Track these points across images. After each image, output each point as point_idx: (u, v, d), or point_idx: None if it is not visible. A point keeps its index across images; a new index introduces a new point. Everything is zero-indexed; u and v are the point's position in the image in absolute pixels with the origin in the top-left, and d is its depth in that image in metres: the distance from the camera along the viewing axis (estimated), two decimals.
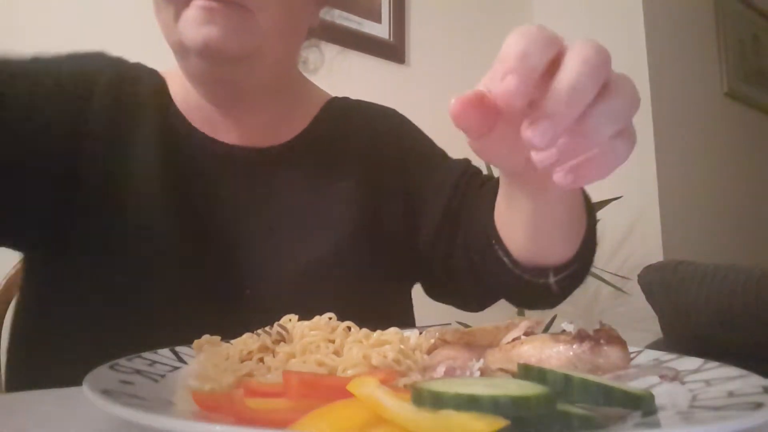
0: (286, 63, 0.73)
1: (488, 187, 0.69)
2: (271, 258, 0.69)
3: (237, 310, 0.63)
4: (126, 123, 0.69)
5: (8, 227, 0.65)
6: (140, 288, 0.63)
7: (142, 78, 0.73)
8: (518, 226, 0.58)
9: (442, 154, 0.82)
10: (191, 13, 0.61)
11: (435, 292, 0.80)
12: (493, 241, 0.61)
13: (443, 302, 0.80)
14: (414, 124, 0.86)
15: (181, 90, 0.73)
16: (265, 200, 0.71)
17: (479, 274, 0.67)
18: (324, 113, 0.80)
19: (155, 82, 0.74)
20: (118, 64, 0.74)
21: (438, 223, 0.73)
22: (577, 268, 0.59)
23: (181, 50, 0.65)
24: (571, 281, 0.61)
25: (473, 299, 0.76)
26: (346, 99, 0.84)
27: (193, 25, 0.61)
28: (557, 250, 0.58)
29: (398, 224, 0.76)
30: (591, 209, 0.63)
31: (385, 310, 0.74)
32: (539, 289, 0.59)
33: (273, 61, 0.69)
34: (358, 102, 0.85)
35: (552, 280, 0.58)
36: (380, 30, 2.06)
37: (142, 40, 1.49)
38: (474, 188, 0.73)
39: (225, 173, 0.71)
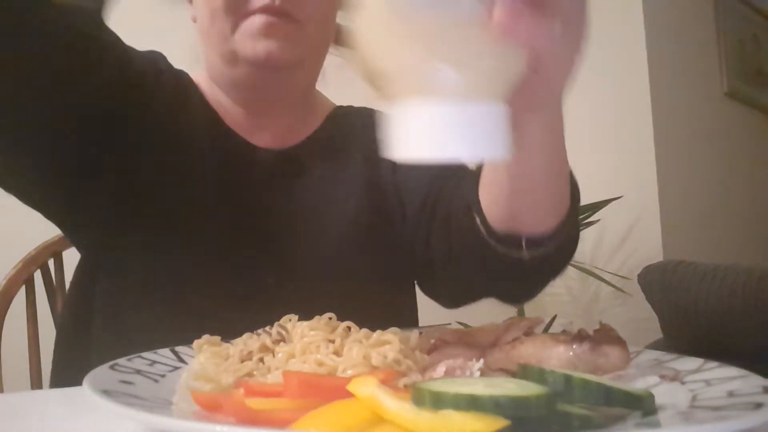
0: (318, 69, 0.78)
1: (476, 169, 0.69)
2: (294, 253, 0.72)
3: (262, 302, 0.64)
4: (180, 119, 0.72)
5: (73, 223, 0.70)
6: (181, 281, 0.66)
7: (184, 78, 0.77)
8: (497, 185, 0.58)
9: None
10: (252, 27, 0.66)
11: (421, 286, 0.82)
12: (472, 208, 0.61)
13: (429, 296, 0.82)
14: None
15: (211, 94, 0.77)
16: (286, 198, 0.75)
17: (456, 259, 0.67)
18: (330, 118, 0.84)
19: (191, 84, 0.77)
20: (167, 61, 0.78)
21: (418, 208, 0.75)
22: (553, 250, 0.58)
23: (231, 58, 0.69)
24: (547, 265, 0.61)
25: (448, 292, 0.77)
26: (350, 106, 0.89)
27: (254, 38, 0.66)
28: (533, 216, 0.57)
29: (396, 220, 0.79)
30: (575, 195, 0.61)
31: (393, 306, 0.77)
32: (513, 268, 0.58)
33: (312, 68, 0.76)
34: (361, 108, 0.89)
35: (525, 254, 0.57)
36: None
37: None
38: (457, 172, 0.74)
39: (256, 174, 0.75)
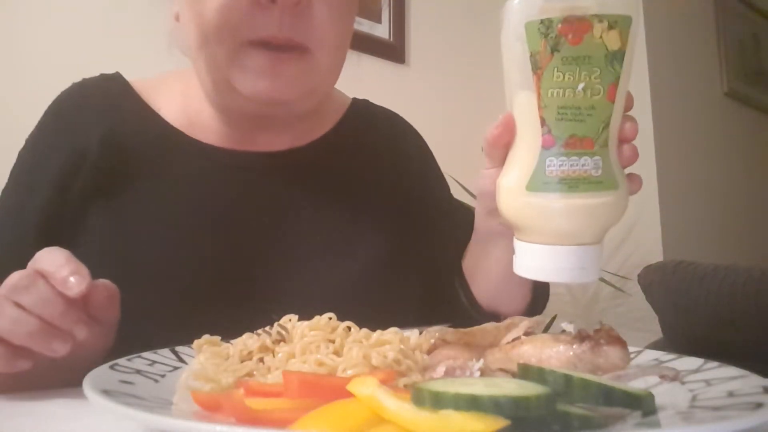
0: (333, 85, 0.69)
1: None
2: (297, 282, 0.64)
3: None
4: (128, 162, 0.65)
5: None
6: (172, 312, 0.59)
7: (115, 98, 0.69)
8: (482, 274, 0.66)
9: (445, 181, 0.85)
10: (255, 64, 0.56)
11: None
12: (457, 280, 0.69)
13: None
14: (424, 140, 0.84)
15: (178, 103, 0.69)
16: (286, 211, 0.67)
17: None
18: (349, 116, 0.76)
19: (126, 96, 0.69)
20: (96, 99, 0.69)
21: (447, 259, 0.73)
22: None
23: (224, 88, 0.60)
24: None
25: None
26: (366, 103, 0.81)
27: (254, 78, 0.57)
28: (509, 302, 0.66)
29: (420, 245, 0.73)
30: None
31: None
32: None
33: (323, 93, 0.66)
34: (383, 110, 0.82)
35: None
36: (380, 30, 2.06)
37: (138, 43, 1.49)
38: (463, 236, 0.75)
39: (240, 183, 0.66)
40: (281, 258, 0.64)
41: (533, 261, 0.44)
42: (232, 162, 0.67)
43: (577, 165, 0.41)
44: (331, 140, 0.73)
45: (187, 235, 0.63)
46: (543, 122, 0.41)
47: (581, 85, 0.40)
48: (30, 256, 0.48)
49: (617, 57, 0.40)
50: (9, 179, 0.68)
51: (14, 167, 0.68)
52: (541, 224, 0.43)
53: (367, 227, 0.69)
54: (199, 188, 0.65)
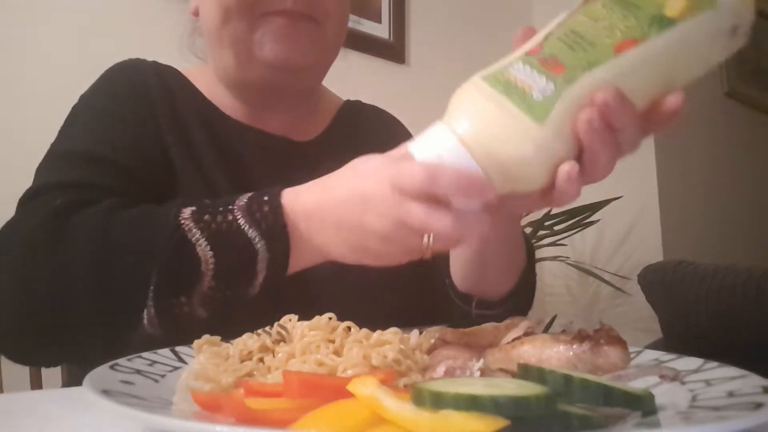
0: (329, 67, 0.77)
1: None
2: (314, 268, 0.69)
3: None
4: (184, 126, 0.70)
5: None
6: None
7: (175, 81, 0.74)
8: (462, 258, 0.67)
9: None
10: (272, 29, 0.64)
11: None
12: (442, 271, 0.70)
13: None
14: (406, 128, 0.91)
15: (210, 89, 0.75)
16: None
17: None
18: (341, 114, 0.84)
19: (183, 83, 0.75)
20: (154, 70, 0.74)
21: None
22: (503, 312, 0.66)
23: (246, 59, 0.67)
24: (512, 304, 0.68)
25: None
26: (358, 102, 0.89)
27: (274, 41, 0.64)
28: (491, 282, 0.67)
29: None
30: (530, 250, 0.71)
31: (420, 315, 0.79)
32: (461, 313, 0.68)
33: (325, 66, 0.74)
34: (371, 107, 0.90)
35: (474, 311, 0.67)
36: (380, 30, 2.06)
37: (139, 38, 1.49)
38: None
39: (273, 162, 0.73)
40: None
41: (433, 140, 0.41)
42: (256, 137, 0.73)
43: (529, 78, 0.37)
44: (330, 136, 0.80)
45: None
46: (548, 36, 0.39)
47: (604, 22, 0.36)
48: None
49: (662, 23, 0.36)
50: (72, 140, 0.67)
51: (78, 132, 0.68)
52: (462, 110, 0.40)
53: None
54: (243, 162, 0.72)
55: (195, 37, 0.80)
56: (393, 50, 2.09)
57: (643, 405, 0.32)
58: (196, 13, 0.72)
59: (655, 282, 1.68)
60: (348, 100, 0.88)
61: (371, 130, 0.85)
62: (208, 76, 0.76)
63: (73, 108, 0.70)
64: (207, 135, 0.71)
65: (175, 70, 0.76)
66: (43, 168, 0.65)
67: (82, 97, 0.71)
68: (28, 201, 0.61)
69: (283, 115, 0.76)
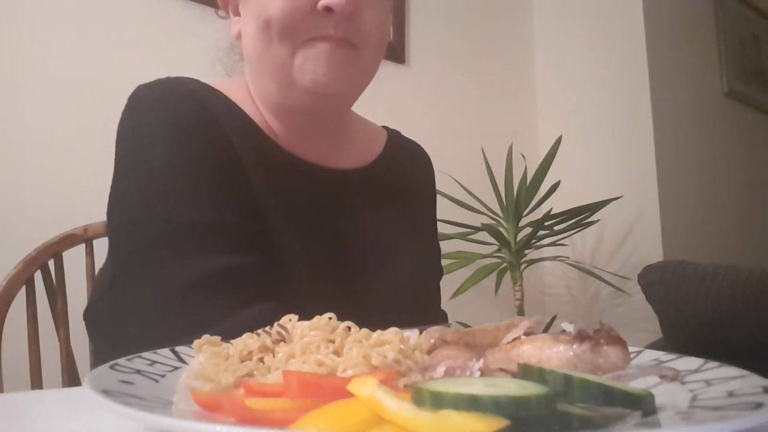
0: (362, 91, 0.77)
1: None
2: (369, 280, 0.74)
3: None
4: (250, 157, 0.70)
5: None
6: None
7: (231, 109, 0.71)
8: None
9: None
10: (312, 55, 0.65)
11: None
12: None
13: None
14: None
15: (257, 114, 0.74)
16: (355, 220, 0.76)
17: None
18: (391, 143, 0.87)
19: (236, 111, 0.72)
20: (207, 96, 0.70)
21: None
22: None
23: (288, 86, 0.67)
24: None
25: None
26: (400, 134, 0.92)
27: (314, 66, 0.65)
28: None
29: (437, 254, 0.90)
30: None
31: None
32: None
33: (361, 92, 0.75)
34: (412, 142, 0.93)
35: None
36: None
37: (140, 47, 1.49)
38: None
39: (315, 190, 0.74)
40: (357, 259, 0.75)
41: None
42: (308, 171, 0.74)
43: None
44: (383, 163, 0.84)
45: (299, 234, 0.70)
46: None
47: None
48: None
49: None
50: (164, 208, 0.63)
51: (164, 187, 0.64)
52: None
53: (415, 237, 0.82)
54: (290, 191, 0.72)
55: (231, 55, 0.81)
56: (393, 50, 2.09)
57: (643, 405, 0.32)
58: (238, 37, 0.73)
59: (655, 282, 1.68)
60: (390, 130, 0.90)
61: (418, 163, 0.90)
62: (244, 95, 0.74)
63: (132, 150, 0.66)
64: (259, 162, 0.71)
65: (228, 100, 0.72)
66: (163, 242, 0.62)
67: (139, 138, 0.66)
68: (202, 289, 0.60)
69: (319, 141, 0.77)
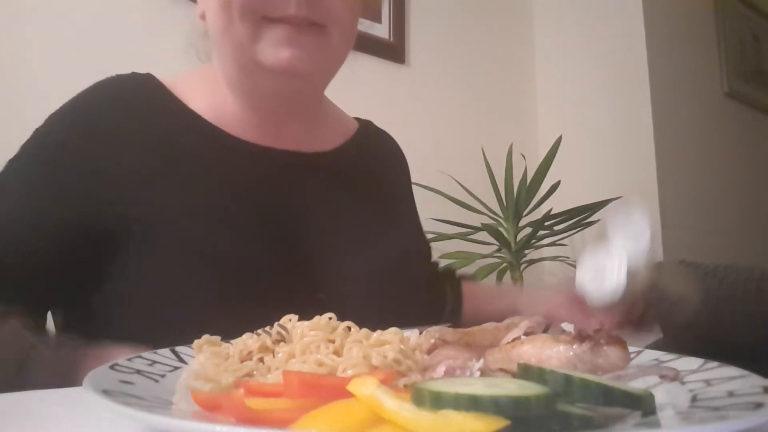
0: (334, 74, 0.75)
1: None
2: (340, 263, 0.70)
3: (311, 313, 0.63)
4: (161, 153, 0.67)
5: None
6: (227, 294, 0.62)
7: (150, 98, 0.70)
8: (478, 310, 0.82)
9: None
10: (276, 35, 0.62)
11: None
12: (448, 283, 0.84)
13: None
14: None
15: (214, 102, 0.72)
16: (322, 204, 0.74)
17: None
18: (362, 131, 0.86)
19: (175, 107, 0.71)
20: (122, 96, 0.70)
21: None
22: None
23: (250, 67, 0.65)
24: None
25: None
26: (370, 122, 0.91)
27: (279, 47, 0.62)
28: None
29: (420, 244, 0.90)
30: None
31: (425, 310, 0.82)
32: None
33: (331, 74, 0.73)
34: (383, 132, 0.93)
35: None
36: (380, 30, 2.06)
37: (138, 44, 1.49)
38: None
39: (277, 176, 0.71)
40: (322, 249, 0.70)
41: None
42: (266, 157, 0.72)
43: None
44: (351, 149, 0.81)
45: (238, 226, 0.67)
46: None
47: None
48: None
49: None
50: (24, 164, 0.67)
51: (33, 153, 0.67)
52: None
53: (388, 225, 0.78)
54: (240, 181, 0.69)
55: (206, 39, 0.78)
56: (393, 50, 2.09)
57: (643, 405, 0.32)
58: (203, 17, 0.71)
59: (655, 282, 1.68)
60: (362, 121, 0.89)
61: (390, 152, 0.90)
62: (203, 85, 0.73)
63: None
64: (208, 160, 0.68)
65: (161, 89, 0.71)
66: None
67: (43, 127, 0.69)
68: None
69: (291, 126, 0.75)
